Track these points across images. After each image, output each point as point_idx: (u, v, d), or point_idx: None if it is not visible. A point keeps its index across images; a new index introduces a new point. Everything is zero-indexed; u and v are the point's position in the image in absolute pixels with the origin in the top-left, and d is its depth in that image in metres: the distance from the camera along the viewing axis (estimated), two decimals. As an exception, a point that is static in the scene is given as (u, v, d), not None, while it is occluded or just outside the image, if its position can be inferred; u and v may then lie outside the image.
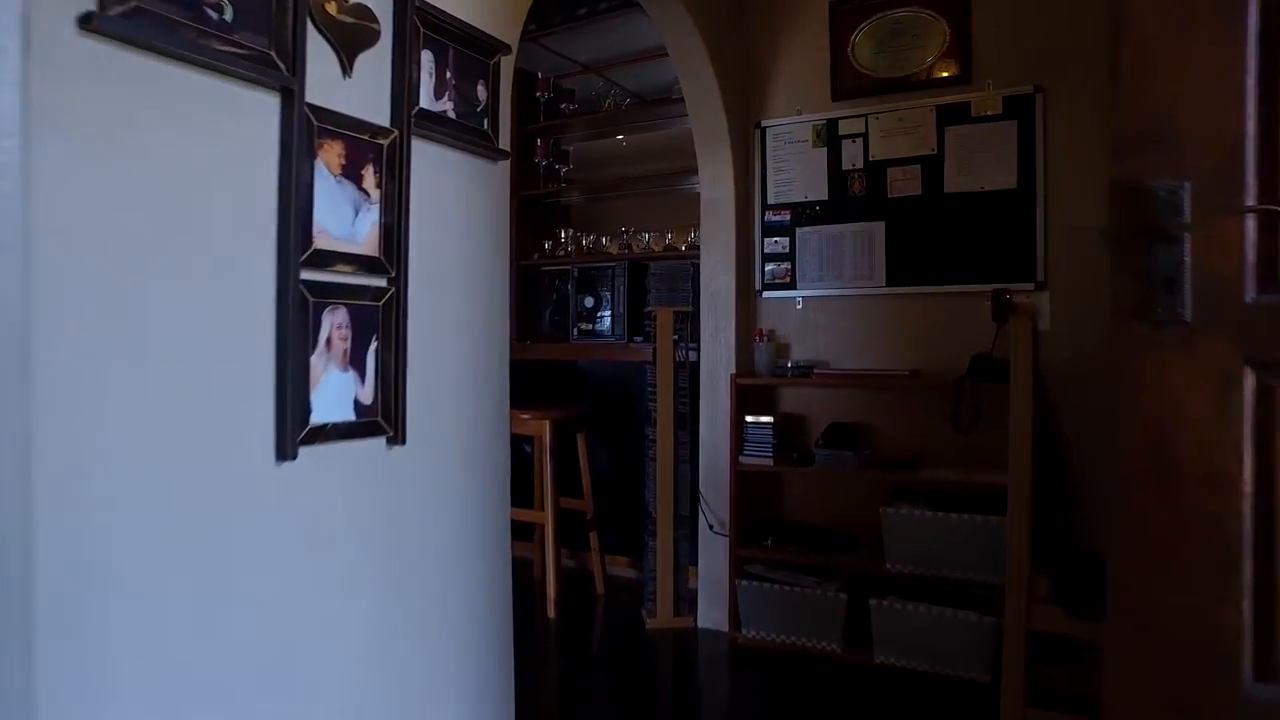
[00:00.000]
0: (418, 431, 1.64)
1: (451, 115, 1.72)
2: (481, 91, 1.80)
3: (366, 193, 1.51)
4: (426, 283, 1.68)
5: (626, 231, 4.14)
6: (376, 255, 1.53)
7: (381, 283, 1.56)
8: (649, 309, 3.37)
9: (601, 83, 4.43)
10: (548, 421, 3.48)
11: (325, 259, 1.42)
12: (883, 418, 3.12)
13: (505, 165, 1.95)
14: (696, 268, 3.47)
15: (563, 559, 3.78)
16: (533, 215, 4.51)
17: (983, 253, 2.93)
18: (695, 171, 3.70)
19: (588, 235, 4.26)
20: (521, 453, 3.82)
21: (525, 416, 3.51)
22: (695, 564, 3.36)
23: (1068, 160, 2.82)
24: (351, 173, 1.48)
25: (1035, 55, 2.87)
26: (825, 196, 3.20)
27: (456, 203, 1.79)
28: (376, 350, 1.54)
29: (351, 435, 1.49)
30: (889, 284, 3.09)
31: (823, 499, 3.24)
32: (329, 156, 1.42)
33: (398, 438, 1.59)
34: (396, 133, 1.57)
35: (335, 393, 1.45)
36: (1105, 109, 2.78)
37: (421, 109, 1.63)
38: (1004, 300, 2.80)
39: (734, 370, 3.23)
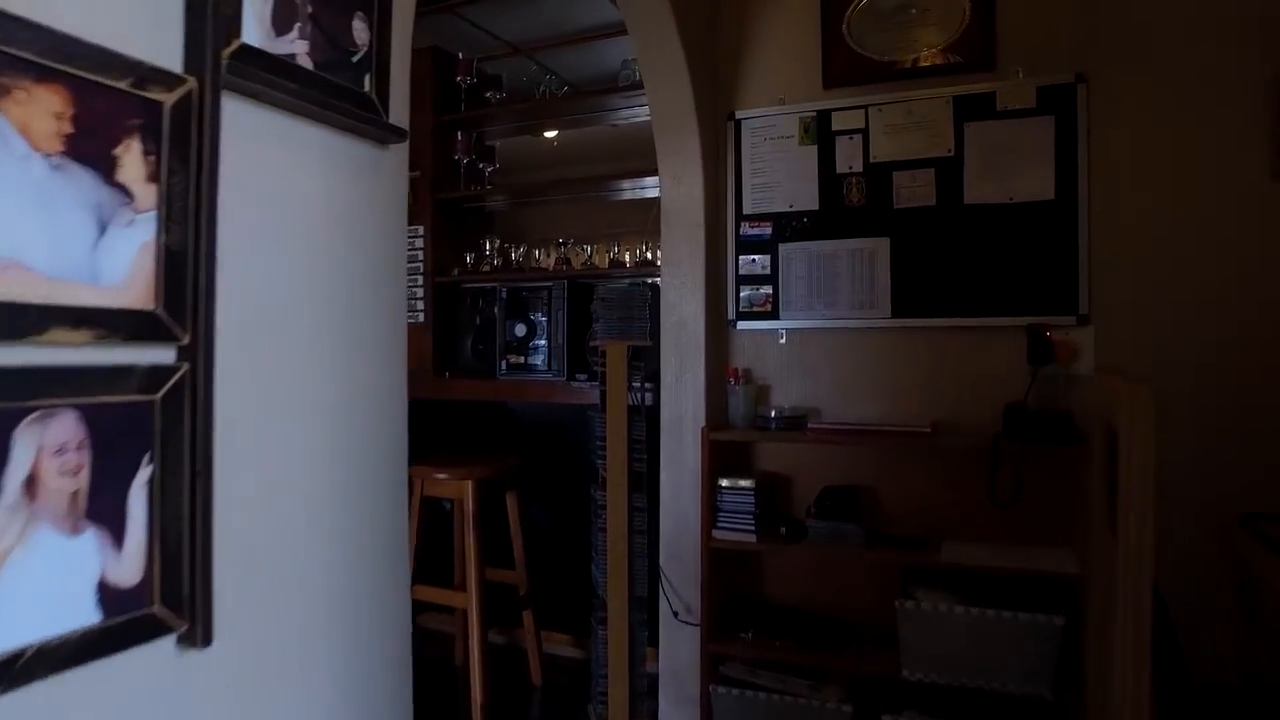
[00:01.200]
0: (238, 616, 0.94)
1: (305, 62, 1.02)
2: (360, 30, 1.11)
3: (126, 191, 0.81)
4: (256, 345, 0.99)
5: (565, 243, 3.47)
6: (148, 308, 0.83)
7: (160, 357, 0.85)
8: (595, 342, 2.71)
9: (534, 67, 3.75)
10: (470, 482, 2.78)
11: (20, 321, 0.71)
12: (889, 480, 2.54)
13: (401, 151, 1.26)
14: (655, 290, 2.84)
15: (491, 636, 3.08)
16: (452, 223, 3.79)
17: (1012, 279, 2.38)
18: (649, 172, 3.06)
19: (518, 247, 3.56)
20: (439, 513, 3.10)
21: (442, 476, 2.80)
22: (656, 644, 2.71)
23: (1117, 167, 2.30)
24: (90, 153, 0.77)
25: (1077, 37, 2.34)
26: (815, 206, 2.61)
27: (320, 208, 1.09)
28: (150, 483, 0.83)
29: (95, 653, 0.78)
30: (895, 314, 2.51)
31: (817, 579, 2.64)
32: (25, 116, 0.72)
33: (196, 634, 0.88)
34: (193, 83, 0.87)
35: (44, 580, 0.74)
36: (1168, 104, 2.28)
37: (246, 46, 0.93)
38: (1044, 340, 2.26)
39: (704, 421, 2.60)
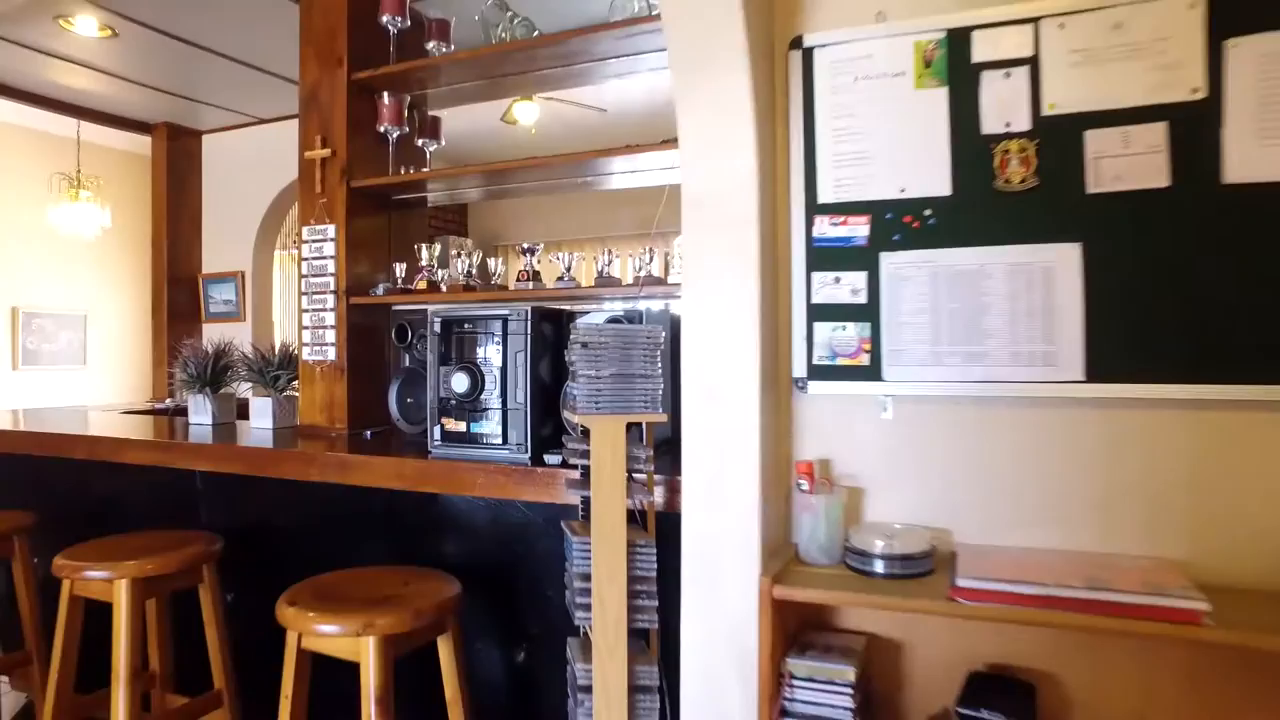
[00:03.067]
0: None
1: None
2: None
3: None
4: None
5: (530, 250, 2.39)
6: None
7: None
8: (572, 416, 1.63)
9: (488, 4, 2.68)
10: (371, 638, 1.69)
11: None
12: (1071, 665, 1.47)
13: None
14: (673, 325, 1.78)
15: None
16: (376, 221, 2.72)
17: (1320, 316, 1.33)
18: (648, 146, 2.02)
19: (466, 255, 2.49)
20: (332, 683, 2.01)
21: (329, 629, 1.71)
22: None
23: None
24: None
25: None
26: (944, 190, 1.54)
27: None
28: None
29: None
30: (1093, 375, 1.44)
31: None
32: None
33: None
34: None
35: None
36: None
37: None
38: None
39: (756, 556, 1.52)
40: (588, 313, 2.13)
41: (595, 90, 5.16)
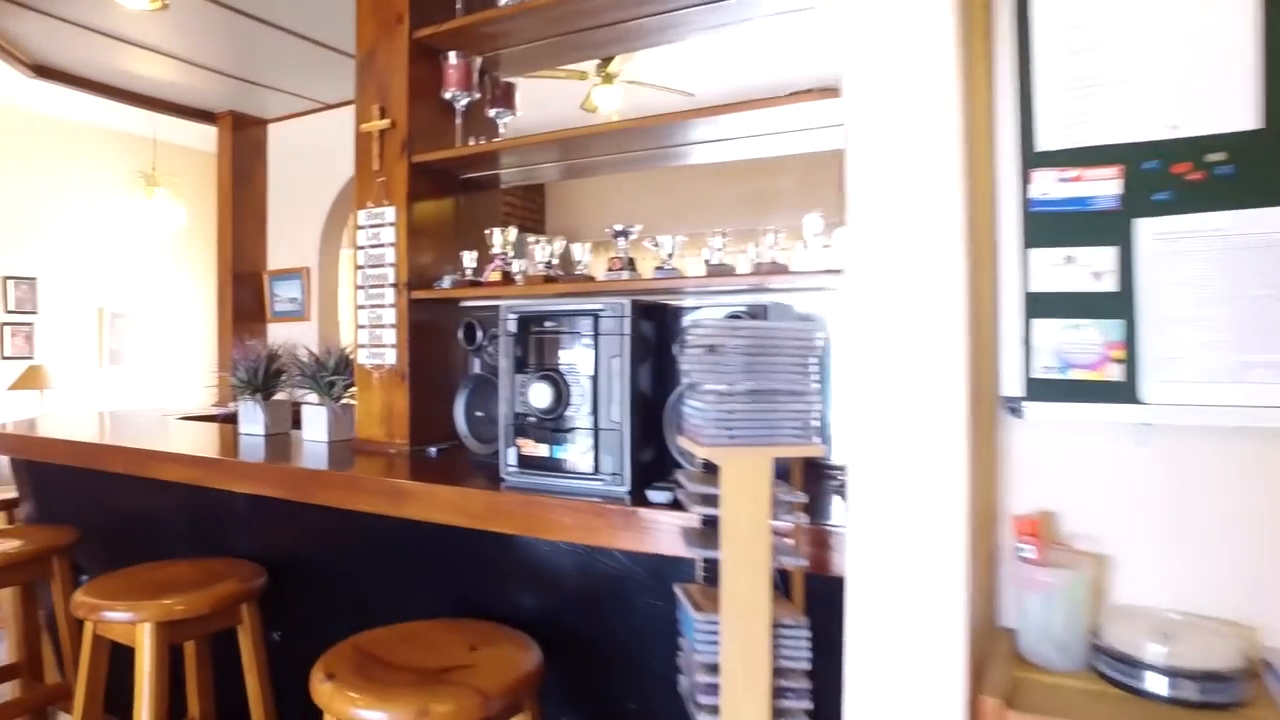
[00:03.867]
0: None
1: None
2: None
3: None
4: None
5: (626, 232, 1.97)
6: None
7: None
8: (692, 445, 1.20)
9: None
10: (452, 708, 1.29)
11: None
12: None
13: None
14: (818, 327, 1.34)
15: None
16: (440, 204, 2.35)
17: None
18: (803, 95, 1.58)
19: (546, 240, 2.09)
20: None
21: (373, 717, 1.32)
22: None
23: None
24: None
25: None
26: (1250, 121, 1.05)
27: None
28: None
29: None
30: None
31: None
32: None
33: None
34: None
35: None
36: None
37: None
38: None
39: (962, 653, 1.06)
40: (696, 309, 1.70)
41: (681, 60, 4.73)
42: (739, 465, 1.14)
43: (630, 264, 1.95)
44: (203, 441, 2.47)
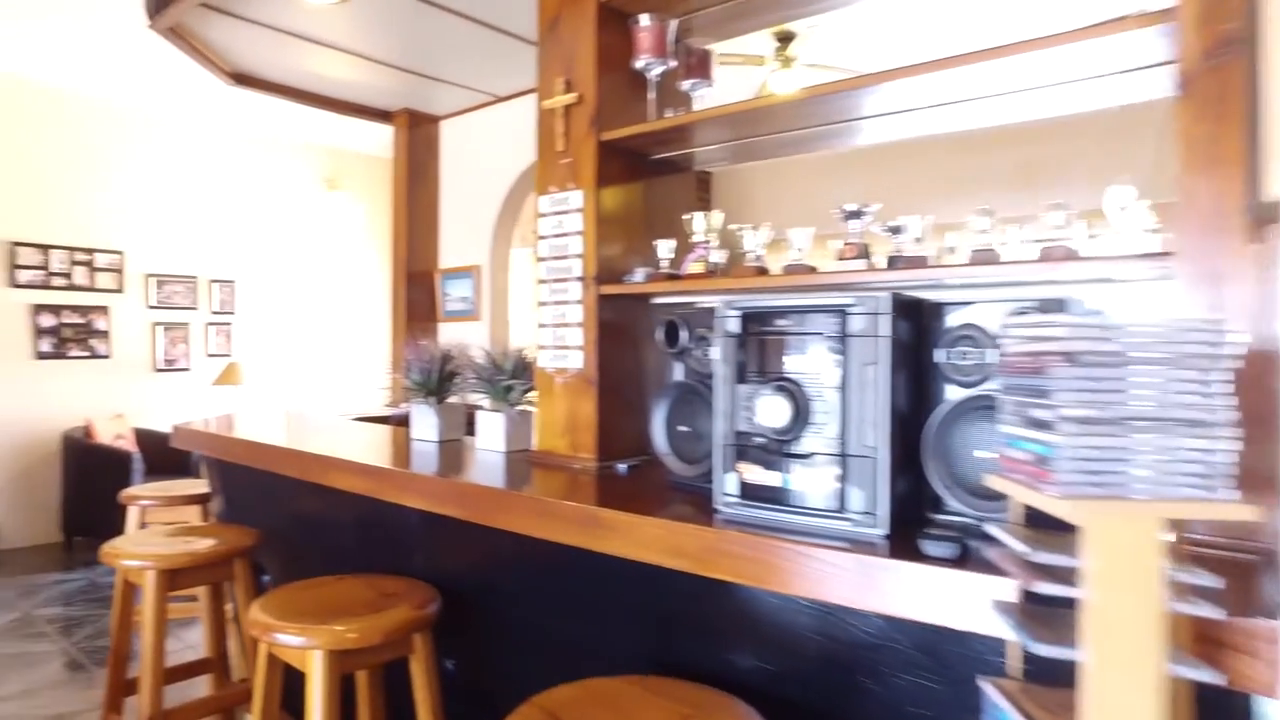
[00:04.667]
0: None
1: None
2: None
3: None
4: None
5: (858, 214, 1.62)
6: None
7: None
8: (1027, 483, 0.85)
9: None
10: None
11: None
12: None
13: None
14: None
15: None
16: (629, 188, 2.09)
17: None
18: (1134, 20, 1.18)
19: (753, 229, 1.77)
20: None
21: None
22: None
23: None
24: None
25: None
26: None
27: None
28: None
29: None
30: None
31: None
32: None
33: None
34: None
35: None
36: None
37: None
38: None
39: None
40: (965, 304, 1.32)
41: (860, 41, 4.30)
42: (1115, 529, 0.77)
43: (865, 251, 1.60)
44: (375, 448, 2.34)
